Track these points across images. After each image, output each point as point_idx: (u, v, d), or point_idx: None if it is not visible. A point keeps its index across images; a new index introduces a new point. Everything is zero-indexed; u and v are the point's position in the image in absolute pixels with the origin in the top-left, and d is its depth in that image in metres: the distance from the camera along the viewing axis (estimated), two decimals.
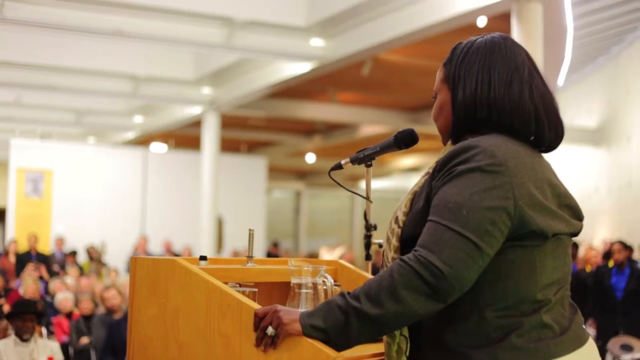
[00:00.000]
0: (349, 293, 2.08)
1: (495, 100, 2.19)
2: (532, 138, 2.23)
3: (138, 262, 2.59)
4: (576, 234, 2.25)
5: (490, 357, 2.05)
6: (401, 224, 2.23)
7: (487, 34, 2.33)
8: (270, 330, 2.12)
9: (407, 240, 2.20)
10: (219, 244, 19.83)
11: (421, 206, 2.18)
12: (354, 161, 2.65)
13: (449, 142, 2.31)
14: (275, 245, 22.75)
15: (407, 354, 2.20)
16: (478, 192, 2.04)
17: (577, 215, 2.25)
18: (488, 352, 2.06)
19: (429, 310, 2.03)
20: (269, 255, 21.16)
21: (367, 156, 2.61)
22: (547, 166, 2.23)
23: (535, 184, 2.11)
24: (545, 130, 2.22)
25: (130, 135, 22.29)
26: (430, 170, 2.21)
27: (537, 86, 2.23)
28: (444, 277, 1.98)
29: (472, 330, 2.08)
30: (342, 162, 2.69)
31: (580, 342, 2.16)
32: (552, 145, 2.28)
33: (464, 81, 2.24)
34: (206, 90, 16.83)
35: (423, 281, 1.99)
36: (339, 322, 2.05)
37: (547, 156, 2.31)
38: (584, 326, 2.23)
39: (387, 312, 2.02)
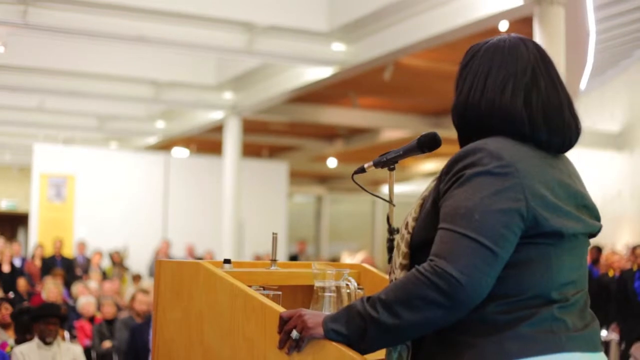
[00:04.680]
0: (368, 299, 2.07)
1: (486, 106, 2.15)
2: (534, 142, 2.16)
3: (163, 265, 2.61)
4: (594, 235, 2.21)
5: (495, 346, 2.01)
6: (410, 230, 2.21)
7: (501, 35, 2.28)
8: (294, 333, 2.12)
9: (416, 247, 2.18)
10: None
11: (429, 211, 2.16)
12: (377, 164, 2.63)
13: None
14: (302, 242, 22.90)
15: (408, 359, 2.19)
16: (489, 195, 2.01)
17: (595, 215, 2.21)
18: (494, 340, 2.01)
19: (448, 320, 2.01)
20: (293, 257, 21.33)
21: (391, 160, 2.59)
22: (558, 166, 2.17)
23: (546, 185, 2.07)
24: (543, 135, 2.15)
25: (152, 140, 22.35)
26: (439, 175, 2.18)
27: (540, 90, 2.17)
28: (462, 286, 1.95)
29: (479, 321, 2.03)
30: (365, 165, 2.68)
31: (595, 347, 2.11)
32: (559, 150, 2.21)
33: (462, 86, 2.23)
34: (227, 95, 16.85)
35: (440, 292, 1.96)
36: (359, 329, 2.05)
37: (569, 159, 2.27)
38: (601, 335, 2.18)
39: (404, 322, 2.00)
